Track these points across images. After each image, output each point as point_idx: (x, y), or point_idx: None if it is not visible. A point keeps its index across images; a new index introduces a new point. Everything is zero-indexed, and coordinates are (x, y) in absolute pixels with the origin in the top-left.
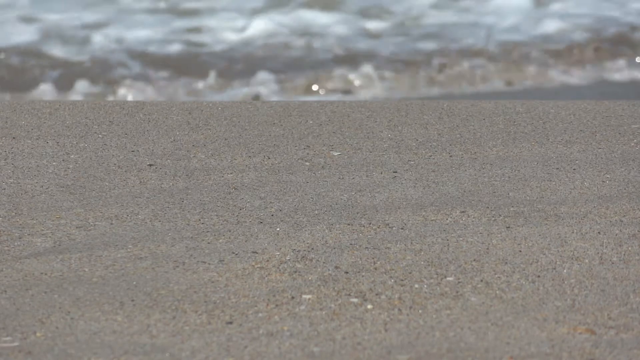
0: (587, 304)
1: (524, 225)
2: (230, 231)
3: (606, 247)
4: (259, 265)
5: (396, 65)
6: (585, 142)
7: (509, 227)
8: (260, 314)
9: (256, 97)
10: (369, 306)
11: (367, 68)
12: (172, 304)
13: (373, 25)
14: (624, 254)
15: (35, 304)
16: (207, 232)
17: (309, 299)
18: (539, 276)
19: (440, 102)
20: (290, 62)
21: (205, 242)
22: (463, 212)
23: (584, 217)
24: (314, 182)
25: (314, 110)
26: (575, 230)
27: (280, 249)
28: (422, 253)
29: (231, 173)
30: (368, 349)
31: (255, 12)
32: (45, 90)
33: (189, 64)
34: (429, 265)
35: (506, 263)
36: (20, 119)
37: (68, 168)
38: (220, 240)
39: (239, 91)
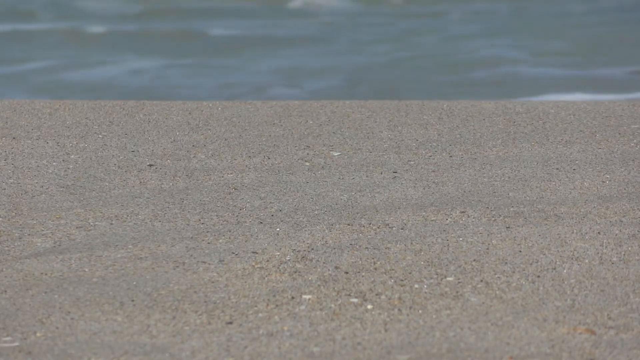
0: (587, 304)
1: (524, 225)
2: (230, 231)
3: (606, 247)
4: (259, 265)
5: None
6: (585, 142)
7: (509, 227)
8: (260, 314)
9: None
10: (369, 306)
11: None
12: (172, 304)
13: None
14: (624, 254)
15: (35, 304)
16: (207, 232)
17: (309, 299)
18: (539, 276)
19: (440, 102)
20: None
21: (205, 242)
22: (463, 212)
23: (584, 217)
24: (314, 182)
25: (314, 110)
26: (575, 230)
27: (280, 249)
28: (422, 253)
29: (231, 173)
30: (368, 349)
31: None
32: None
33: None
34: (429, 265)
35: (506, 263)
36: (20, 119)
37: (68, 168)
38: (220, 240)
39: None
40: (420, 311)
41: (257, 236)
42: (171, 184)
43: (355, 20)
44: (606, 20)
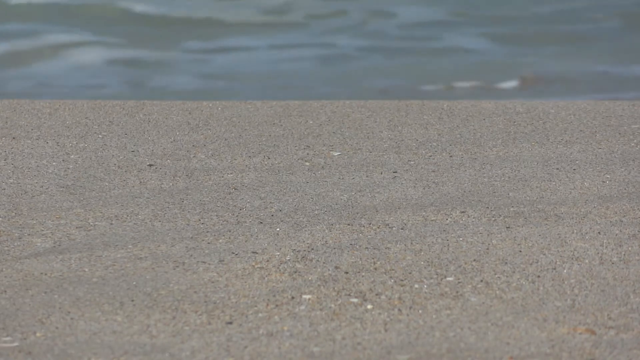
0: (587, 304)
1: (524, 225)
2: (230, 231)
3: (606, 247)
4: (259, 265)
5: None
6: (585, 142)
7: (509, 227)
8: (260, 314)
9: None
10: (369, 306)
11: None
12: (172, 304)
13: None
14: (624, 254)
15: (35, 304)
16: (207, 232)
17: (309, 299)
18: (539, 276)
19: (440, 102)
20: None
21: (205, 242)
22: (463, 212)
23: (584, 217)
24: (314, 182)
25: (314, 110)
26: (575, 230)
27: (280, 249)
28: (422, 253)
29: (231, 173)
30: (368, 349)
31: None
32: None
33: None
34: (429, 265)
35: (506, 263)
36: (20, 119)
37: (68, 168)
38: (220, 240)
39: None
40: (420, 311)
41: (257, 236)
42: (171, 184)
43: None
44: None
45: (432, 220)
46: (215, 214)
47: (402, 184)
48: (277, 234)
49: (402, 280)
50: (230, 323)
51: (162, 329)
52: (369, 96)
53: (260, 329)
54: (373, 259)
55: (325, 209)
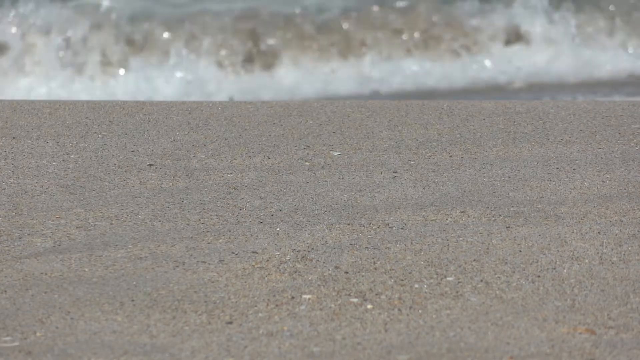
0: (587, 304)
1: (524, 225)
2: (230, 231)
3: (606, 247)
4: (259, 265)
5: None
6: (585, 142)
7: (509, 227)
8: (260, 314)
9: None
10: (369, 306)
11: None
12: (172, 304)
13: None
14: (624, 254)
15: (35, 304)
16: (207, 232)
17: (309, 299)
18: (539, 276)
19: (440, 102)
20: None
21: (205, 242)
22: (463, 212)
23: (584, 217)
24: (314, 182)
25: (314, 110)
26: (575, 230)
27: (280, 249)
28: (422, 253)
29: (231, 173)
30: (368, 349)
31: None
32: None
33: None
34: (429, 265)
35: (506, 263)
36: (20, 119)
37: (68, 168)
38: (220, 240)
39: None
40: (420, 311)
41: (257, 236)
42: (171, 184)
43: None
44: None
45: (432, 220)
46: (215, 213)
47: (402, 184)
48: (277, 234)
49: (402, 280)
50: (230, 323)
51: (162, 329)
52: None
53: (260, 329)
54: (373, 259)
55: (325, 209)
